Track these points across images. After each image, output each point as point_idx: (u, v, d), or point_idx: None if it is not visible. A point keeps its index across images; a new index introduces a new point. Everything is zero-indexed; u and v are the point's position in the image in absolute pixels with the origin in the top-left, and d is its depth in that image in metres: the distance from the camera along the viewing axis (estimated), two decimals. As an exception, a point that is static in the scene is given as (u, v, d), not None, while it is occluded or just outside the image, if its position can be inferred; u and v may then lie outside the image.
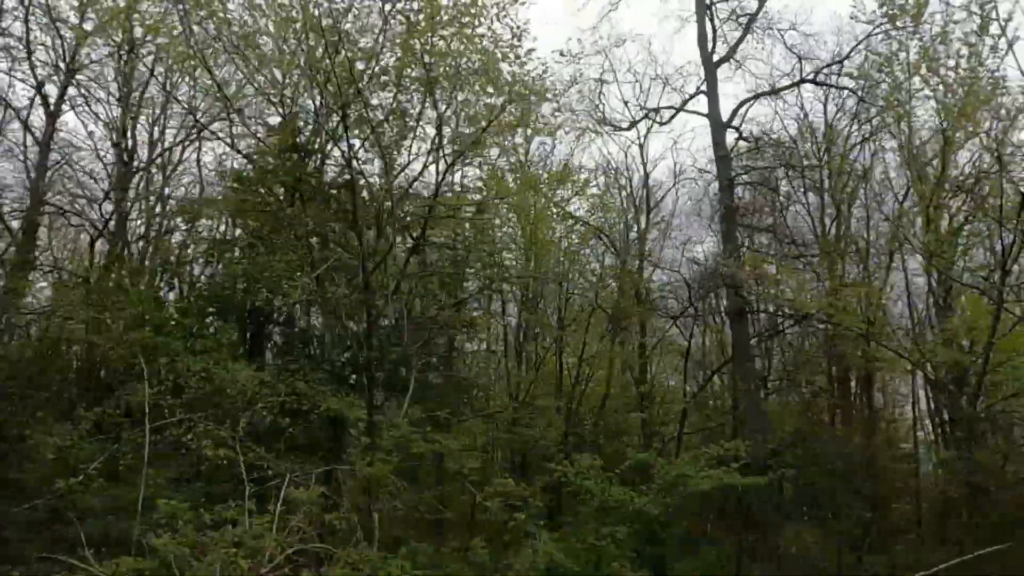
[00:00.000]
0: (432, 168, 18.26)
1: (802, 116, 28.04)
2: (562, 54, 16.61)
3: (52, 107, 21.61)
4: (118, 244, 20.79)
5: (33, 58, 21.05)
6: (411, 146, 15.74)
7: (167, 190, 23.89)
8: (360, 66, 13.60)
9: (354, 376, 15.80)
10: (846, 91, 25.00)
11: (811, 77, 25.41)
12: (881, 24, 20.55)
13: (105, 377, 15.74)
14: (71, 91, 21.74)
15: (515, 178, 28.56)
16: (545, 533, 11.75)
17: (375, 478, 11.28)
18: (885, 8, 19.58)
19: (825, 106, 27.61)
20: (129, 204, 21.01)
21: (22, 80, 21.48)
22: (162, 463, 13.37)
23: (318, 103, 14.51)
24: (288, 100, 15.47)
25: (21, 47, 20.79)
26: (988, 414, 17.34)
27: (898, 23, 19.46)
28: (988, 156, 18.66)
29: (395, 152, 15.68)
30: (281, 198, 17.79)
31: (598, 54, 26.01)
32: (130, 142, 21.29)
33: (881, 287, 20.08)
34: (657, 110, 27.64)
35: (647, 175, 30.58)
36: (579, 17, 50.31)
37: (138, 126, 22.34)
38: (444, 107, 14.41)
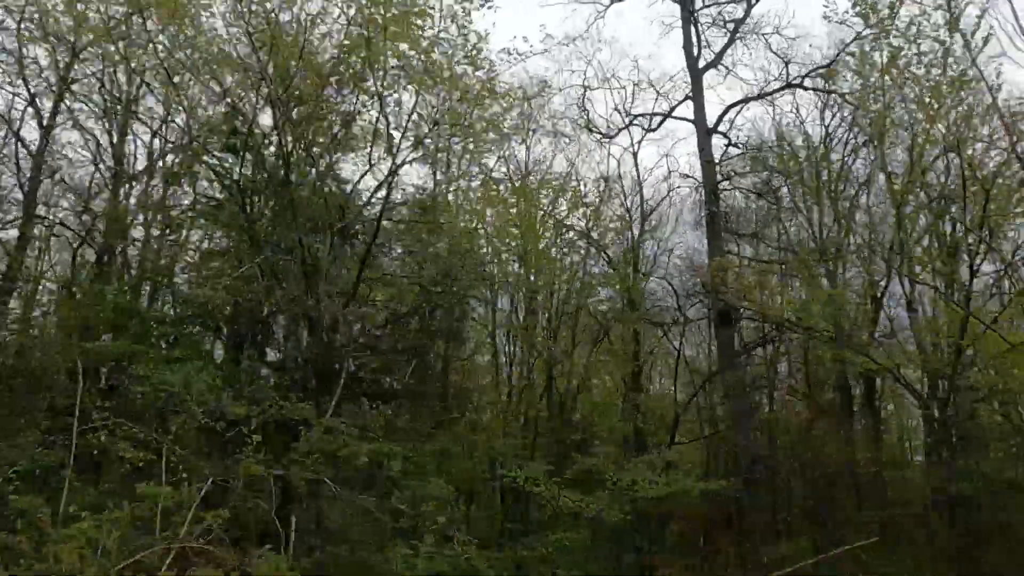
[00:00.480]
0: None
1: (798, 122, 27.75)
2: (508, 52, 16.52)
3: (46, 121, 22.16)
4: (102, 254, 21.17)
5: (26, 72, 21.58)
6: (369, 149, 15.72)
7: (169, 200, 24.33)
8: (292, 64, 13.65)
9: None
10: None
11: (798, 82, 25.22)
12: (863, 27, 20.53)
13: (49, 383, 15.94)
14: (68, 103, 22.24)
15: (511, 187, 28.95)
16: (465, 537, 11.66)
17: (296, 480, 11.26)
18: (858, 8, 19.38)
19: (823, 112, 27.40)
20: (114, 213, 21.36)
21: (15, 94, 22.03)
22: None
23: (253, 101, 14.52)
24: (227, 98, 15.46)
25: (13, 60, 21.32)
26: (959, 418, 16.91)
27: (871, 21, 19.25)
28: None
29: (336, 153, 15.80)
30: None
31: (581, 60, 26.06)
32: (109, 151, 21.64)
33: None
34: (644, 116, 27.50)
35: (640, 183, 30.47)
36: (567, 24, 50.12)
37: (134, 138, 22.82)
38: (389, 108, 14.43)
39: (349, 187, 17.81)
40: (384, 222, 24.28)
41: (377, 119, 14.63)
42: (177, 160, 19.81)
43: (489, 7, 17.72)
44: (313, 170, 15.48)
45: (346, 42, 14.39)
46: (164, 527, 9.64)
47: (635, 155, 30.16)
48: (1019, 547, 15.26)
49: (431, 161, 18.90)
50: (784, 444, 21.95)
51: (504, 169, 30.80)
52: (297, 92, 14.30)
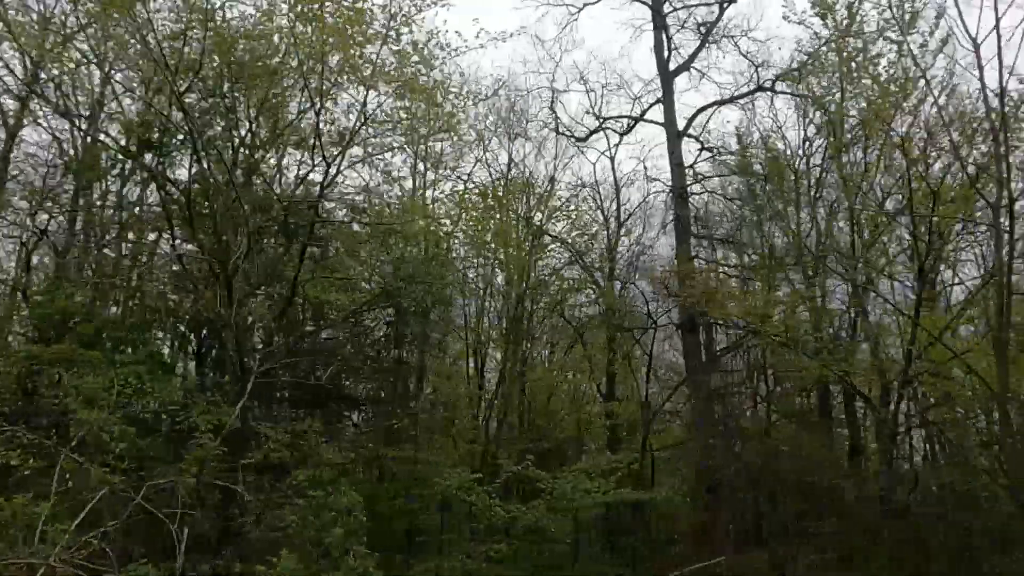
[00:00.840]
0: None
1: (776, 126, 27.32)
2: (442, 48, 16.24)
3: (11, 123, 22.10)
4: (60, 254, 21.06)
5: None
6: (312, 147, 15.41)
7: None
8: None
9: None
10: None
11: (768, 85, 24.85)
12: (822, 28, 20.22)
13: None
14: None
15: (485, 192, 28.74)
16: (364, 550, 11.30)
17: (187, 488, 10.99)
18: (817, 9, 19.01)
19: (803, 116, 26.97)
20: (70, 215, 21.24)
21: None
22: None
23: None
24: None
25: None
26: (908, 425, 16.46)
27: (829, 22, 18.89)
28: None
29: (262, 153, 15.59)
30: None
31: (550, 60, 25.82)
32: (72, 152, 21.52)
33: (820, 297, 19.22)
34: (615, 119, 27.20)
35: (617, 188, 30.13)
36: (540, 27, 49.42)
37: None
38: (320, 105, 14.14)
39: (296, 186, 17.56)
40: (355, 225, 24.36)
41: (318, 119, 14.35)
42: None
43: (443, 6, 17.63)
44: (238, 171, 15.26)
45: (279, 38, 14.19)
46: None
47: (612, 159, 30.00)
48: (964, 556, 14.80)
49: (372, 162, 18.50)
50: (747, 452, 21.47)
51: (486, 173, 30.96)
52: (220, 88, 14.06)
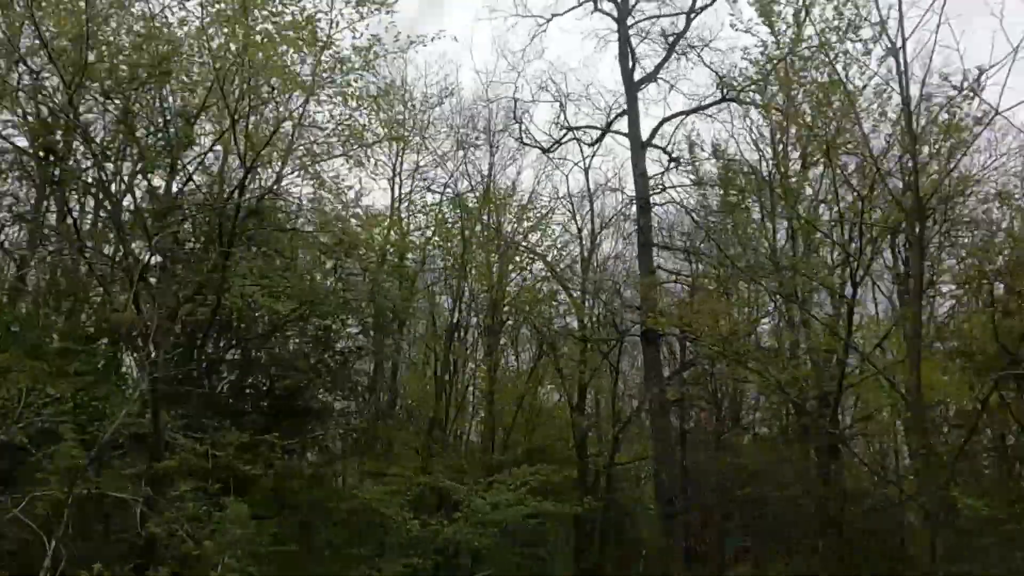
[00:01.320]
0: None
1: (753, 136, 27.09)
2: (355, 48, 16.29)
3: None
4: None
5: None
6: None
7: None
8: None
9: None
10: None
11: (733, 95, 24.64)
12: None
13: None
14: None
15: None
16: (235, 563, 11.15)
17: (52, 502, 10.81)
18: (763, 19, 18.87)
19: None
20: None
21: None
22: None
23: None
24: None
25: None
26: (841, 436, 16.12)
27: (777, 29, 18.73)
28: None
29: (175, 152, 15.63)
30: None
31: (512, 70, 25.84)
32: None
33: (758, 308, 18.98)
34: (581, 129, 27.13)
35: (591, 199, 29.96)
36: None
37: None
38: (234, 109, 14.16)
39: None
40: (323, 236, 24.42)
41: (234, 122, 14.36)
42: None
43: (388, 12, 17.75)
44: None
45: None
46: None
47: (586, 171, 29.87)
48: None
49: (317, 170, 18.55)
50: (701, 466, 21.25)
51: (465, 183, 31.01)
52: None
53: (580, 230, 29.93)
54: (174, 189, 17.10)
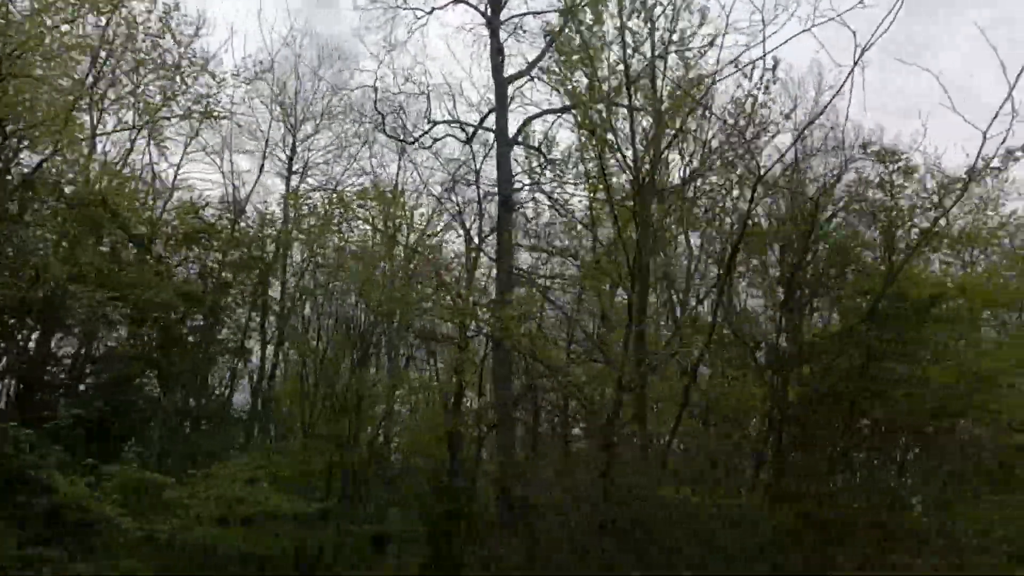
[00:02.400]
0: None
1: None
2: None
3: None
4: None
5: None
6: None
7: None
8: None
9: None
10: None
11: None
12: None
13: None
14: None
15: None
16: None
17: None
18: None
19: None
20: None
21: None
22: None
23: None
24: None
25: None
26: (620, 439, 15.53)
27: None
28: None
29: None
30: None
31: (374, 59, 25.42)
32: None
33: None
34: (448, 124, 26.62)
35: (480, 199, 29.40)
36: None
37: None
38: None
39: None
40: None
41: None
42: None
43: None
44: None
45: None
46: None
47: (477, 173, 29.32)
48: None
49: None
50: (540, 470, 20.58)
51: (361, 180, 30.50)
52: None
53: (467, 230, 29.49)
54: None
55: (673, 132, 15.35)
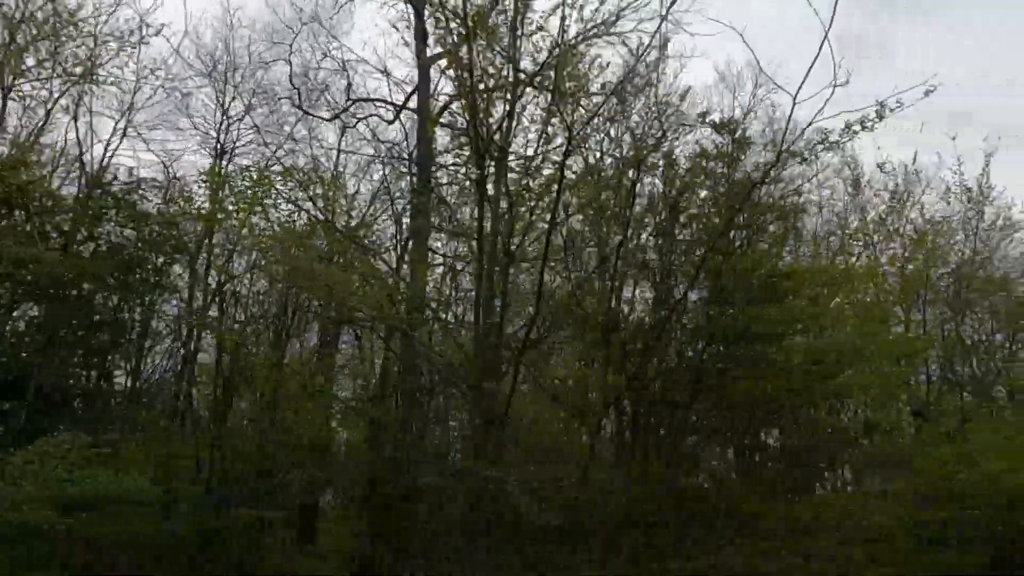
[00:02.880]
0: None
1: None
2: None
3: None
4: None
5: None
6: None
7: None
8: None
9: None
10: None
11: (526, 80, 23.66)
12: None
13: None
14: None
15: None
16: None
17: None
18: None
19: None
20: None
21: None
22: None
23: None
24: None
25: None
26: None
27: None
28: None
29: None
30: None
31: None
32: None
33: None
34: (369, 102, 26.11)
35: (413, 180, 28.84)
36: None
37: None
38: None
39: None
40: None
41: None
42: None
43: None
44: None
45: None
46: None
47: (410, 155, 28.74)
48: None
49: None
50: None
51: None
52: None
53: (396, 212, 29.01)
54: None
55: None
